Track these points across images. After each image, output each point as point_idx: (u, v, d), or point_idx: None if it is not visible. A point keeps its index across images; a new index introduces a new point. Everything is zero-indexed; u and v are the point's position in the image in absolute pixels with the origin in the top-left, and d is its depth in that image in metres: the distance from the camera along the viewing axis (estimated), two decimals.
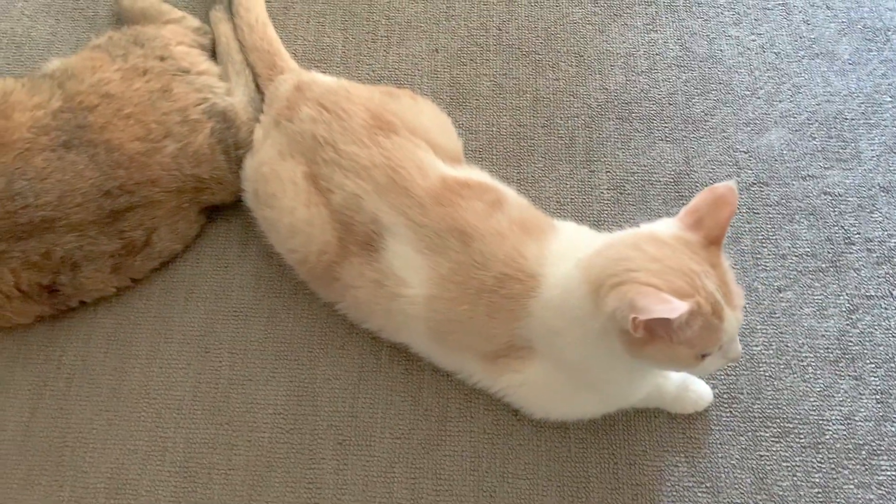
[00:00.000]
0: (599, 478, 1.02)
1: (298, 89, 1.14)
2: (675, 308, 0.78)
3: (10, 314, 1.06)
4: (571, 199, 1.21)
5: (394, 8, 1.39)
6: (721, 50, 1.34)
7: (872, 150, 1.24)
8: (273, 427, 1.05)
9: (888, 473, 1.02)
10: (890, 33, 1.35)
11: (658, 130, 1.27)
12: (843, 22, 1.36)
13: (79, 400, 1.07)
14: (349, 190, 1.02)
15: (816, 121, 1.27)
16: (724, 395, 1.07)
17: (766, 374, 1.08)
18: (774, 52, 1.33)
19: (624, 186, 1.22)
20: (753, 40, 1.35)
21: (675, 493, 1.01)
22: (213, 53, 1.28)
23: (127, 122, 1.07)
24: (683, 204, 1.17)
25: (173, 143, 1.09)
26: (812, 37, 1.35)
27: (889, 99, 1.28)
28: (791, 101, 1.29)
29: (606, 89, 1.31)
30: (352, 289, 1.04)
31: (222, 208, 1.19)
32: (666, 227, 0.89)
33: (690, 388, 1.05)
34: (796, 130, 1.26)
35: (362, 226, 1.02)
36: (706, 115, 1.28)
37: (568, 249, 0.96)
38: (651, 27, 1.36)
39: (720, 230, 0.87)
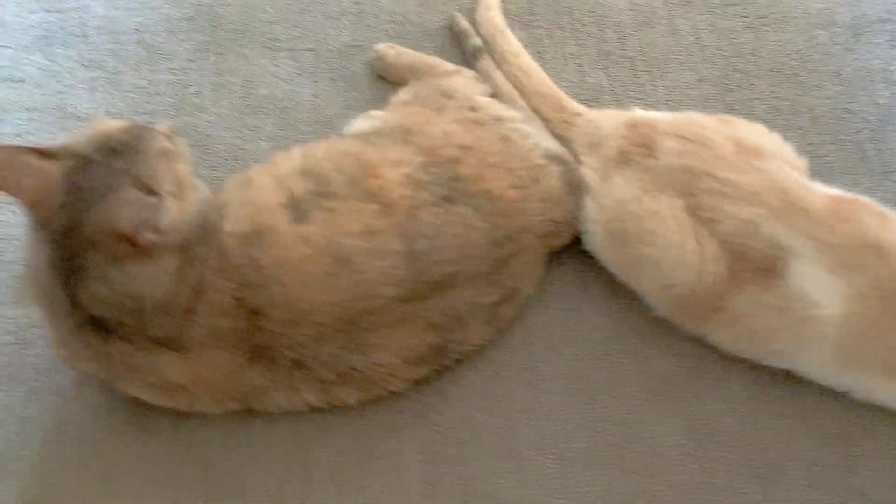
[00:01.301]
0: None
1: (635, 126, 1.13)
2: None
3: (397, 379, 1.01)
4: None
5: (644, 43, 1.41)
6: None
7: None
8: (683, 469, 1.01)
9: None
10: None
11: None
12: None
13: (476, 463, 1.02)
14: (742, 217, 1.01)
15: None
16: None
17: None
18: None
19: None
20: None
21: None
22: None
23: (497, 171, 1.04)
24: None
25: (538, 188, 1.07)
26: None
27: None
28: None
29: (877, 104, 1.34)
30: (744, 317, 1.03)
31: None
32: None
33: None
34: None
35: (760, 252, 1.01)
36: None
37: None
38: (893, 43, 1.41)
39: None
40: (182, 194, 0.87)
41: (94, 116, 1.27)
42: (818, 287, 0.98)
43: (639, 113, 1.16)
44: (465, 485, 1.01)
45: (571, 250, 1.15)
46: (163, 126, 0.91)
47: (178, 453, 1.02)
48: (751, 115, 1.31)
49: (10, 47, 1.36)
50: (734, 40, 1.41)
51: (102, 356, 0.91)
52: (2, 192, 0.85)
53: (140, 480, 1.01)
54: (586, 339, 1.11)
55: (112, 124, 0.88)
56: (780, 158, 1.07)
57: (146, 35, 1.38)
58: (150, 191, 0.84)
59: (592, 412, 1.06)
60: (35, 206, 0.85)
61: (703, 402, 1.07)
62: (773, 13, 1.45)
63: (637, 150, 1.09)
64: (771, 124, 1.29)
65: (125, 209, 0.82)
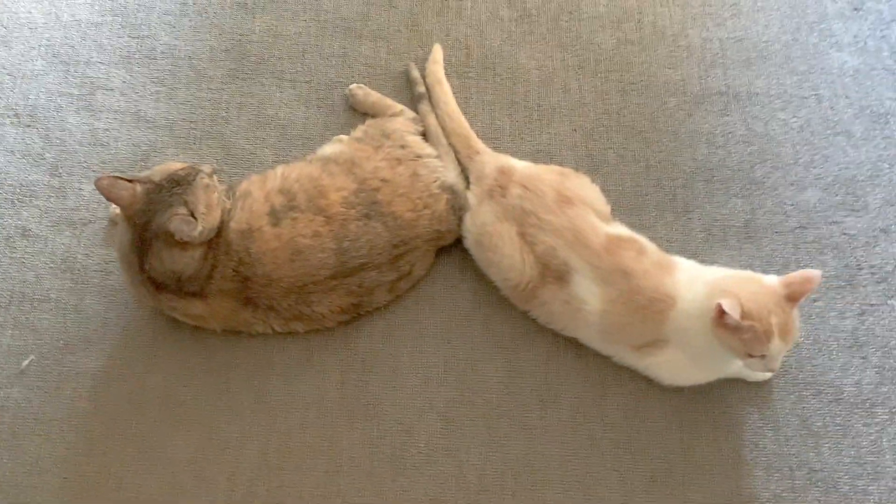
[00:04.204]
0: (713, 423, 1.64)
1: (502, 172, 1.72)
2: (733, 310, 1.39)
3: (328, 322, 1.66)
4: (676, 239, 1.80)
5: (542, 97, 1.97)
6: (773, 129, 1.93)
7: (875, 203, 1.84)
8: (496, 391, 1.66)
9: (882, 417, 1.64)
10: (889, 116, 1.93)
11: (732, 189, 1.86)
12: (857, 108, 1.95)
13: (372, 375, 1.68)
14: (549, 244, 1.62)
15: (838, 182, 1.86)
16: (780, 368, 1.68)
17: (806, 355, 1.69)
18: (810, 131, 1.92)
19: (711, 230, 1.82)
20: (795, 122, 1.93)
21: (751, 433, 1.63)
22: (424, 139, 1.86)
23: (402, 199, 1.66)
24: (751, 244, 1.80)
25: (428, 210, 1.68)
26: (835, 119, 1.93)
27: (888, 166, 1.88)
28: (821, 168, 1.88)
29: (695, 159, 1.89)
30: (547, 304, 1.65)
31: (445, 248, 1.78)
32: (770, 280, 1.49)
33: None
34: (825, 189, 1.86)
35: (557, 267, 1.61)
36: (764, 177, 1.87)
37: (689, 278, 1.57)
38: (724, 112, 1.95)
39: (799, 297, 1.45)
40: (210, 213, 1.52)
41: (156, 122, 1.91)
42: (588, 292, 1.59)
43: (509, 161, 1.75)
44: (365, 389, 1.67)
45: (457, 246, 1.77)
46: (207, 167, 1.56)
47: (191, 345, 1.70)
48: (603, 161, 1.90)
49: (104, 63, 1.98)
50: (608, 101, 1.96)
51: (156, 299, 1.59)
52: (111, 202, 1.52)
53: (171, 355, 1.69)
54: (457, 306, 1.75)
55: (176, 165, 1.54)
56: (586, 205, 1.65)
57: (195, 60, 1.99)
58: (192, 214, 1.48)
59: (454, 352, 1.70)
60: (127, 209, 1.52)
61: (518, 352, 1.70)
62: (641, 80, 1.99)
63: (497, 190, 1.69)
64: (615, 168, 1.89)
65: (175, 220, 1.48)
